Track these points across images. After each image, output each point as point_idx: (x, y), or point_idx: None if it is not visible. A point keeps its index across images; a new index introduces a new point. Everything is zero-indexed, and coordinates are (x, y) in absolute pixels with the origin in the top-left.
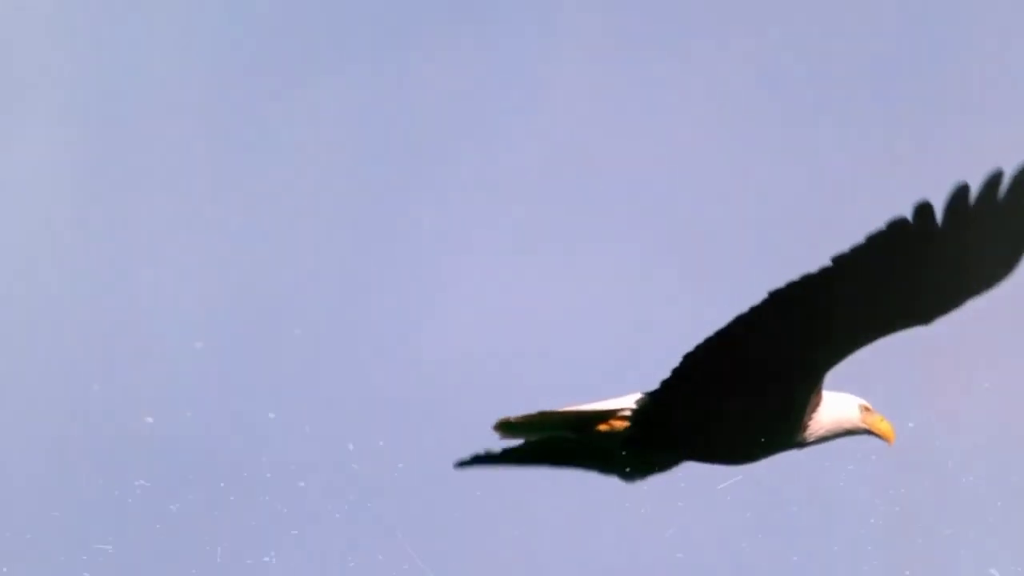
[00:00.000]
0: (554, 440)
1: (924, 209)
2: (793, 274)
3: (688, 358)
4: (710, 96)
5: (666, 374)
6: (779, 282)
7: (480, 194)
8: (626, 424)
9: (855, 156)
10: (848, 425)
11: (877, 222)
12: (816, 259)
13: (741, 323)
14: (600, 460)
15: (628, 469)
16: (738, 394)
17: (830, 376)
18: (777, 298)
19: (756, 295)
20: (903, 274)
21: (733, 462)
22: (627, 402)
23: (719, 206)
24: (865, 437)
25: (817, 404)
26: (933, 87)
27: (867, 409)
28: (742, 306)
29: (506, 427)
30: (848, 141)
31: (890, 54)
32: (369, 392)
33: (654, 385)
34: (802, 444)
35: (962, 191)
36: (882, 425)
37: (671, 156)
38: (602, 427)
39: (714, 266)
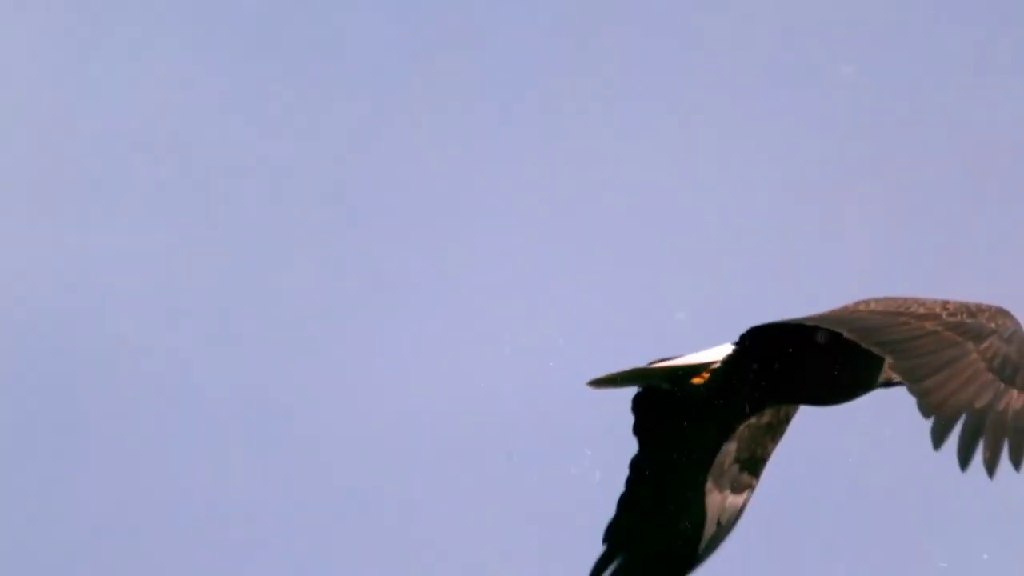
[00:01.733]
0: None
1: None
2: None
3: (772, 327)
4: None
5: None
6: None
7: None
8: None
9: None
10: None
11: None
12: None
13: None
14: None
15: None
16: (825, 340)
17: None
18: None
19: None
20: None
21: (821, 403)
22: (719, 354)
23: None
24: None
25: None
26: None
27: None
28: None
29: (600, 381)
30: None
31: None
32: None
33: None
34: (889, 383)
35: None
36: None
37: None
38: (696, 380)
39: None
